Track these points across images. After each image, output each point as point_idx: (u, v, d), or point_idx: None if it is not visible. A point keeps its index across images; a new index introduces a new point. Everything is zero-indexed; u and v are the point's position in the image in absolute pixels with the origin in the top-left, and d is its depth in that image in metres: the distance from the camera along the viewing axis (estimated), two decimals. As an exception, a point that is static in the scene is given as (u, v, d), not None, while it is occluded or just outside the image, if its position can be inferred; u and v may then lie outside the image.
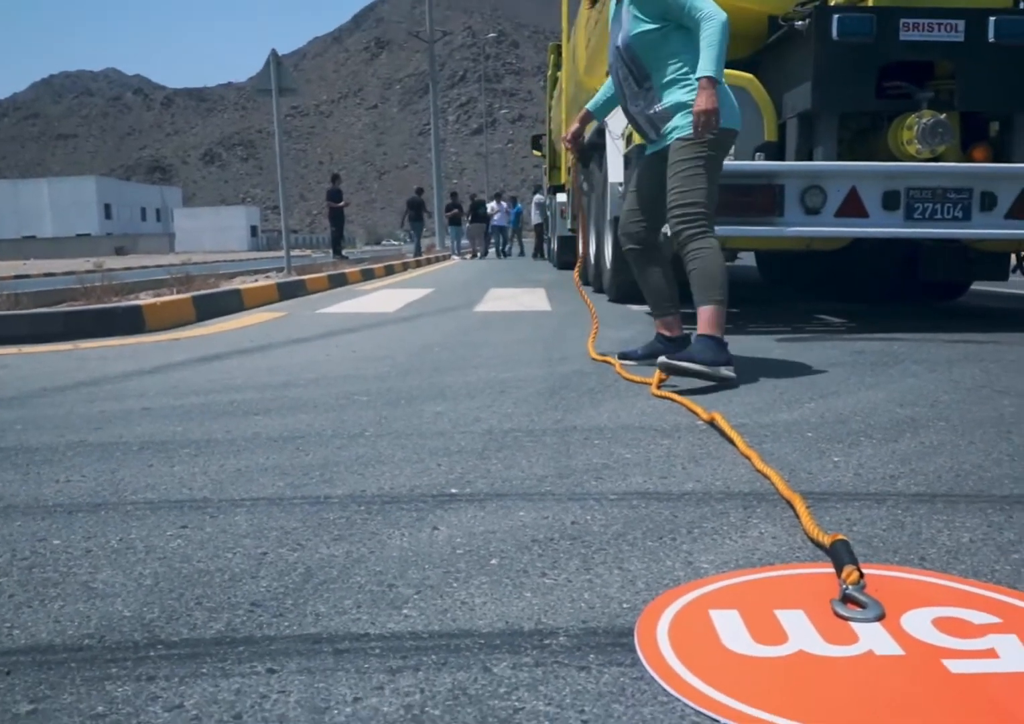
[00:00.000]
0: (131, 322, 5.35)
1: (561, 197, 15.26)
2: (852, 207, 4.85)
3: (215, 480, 2.05)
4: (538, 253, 24.07)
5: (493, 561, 1.50)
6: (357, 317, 6.41)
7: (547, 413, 2.74)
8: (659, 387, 3.12)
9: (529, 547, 1.56)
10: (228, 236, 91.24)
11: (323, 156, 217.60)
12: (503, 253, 26.29)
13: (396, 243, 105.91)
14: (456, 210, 25.73)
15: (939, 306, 6.71)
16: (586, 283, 9.81)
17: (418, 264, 18.69)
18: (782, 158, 5.49)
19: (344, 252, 21.53)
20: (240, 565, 1.51)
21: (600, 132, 7.61)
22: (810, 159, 5.27)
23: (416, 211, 24.37)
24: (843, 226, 4.85)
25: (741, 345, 4.35)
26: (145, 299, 5.77)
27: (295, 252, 60.65)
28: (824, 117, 5.12)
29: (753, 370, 3.55)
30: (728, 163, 4.97)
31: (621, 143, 6.55)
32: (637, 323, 5.65)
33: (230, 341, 4.92)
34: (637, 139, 5.51)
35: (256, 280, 11.97)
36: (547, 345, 4.57)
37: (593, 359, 3.97)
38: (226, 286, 8.00)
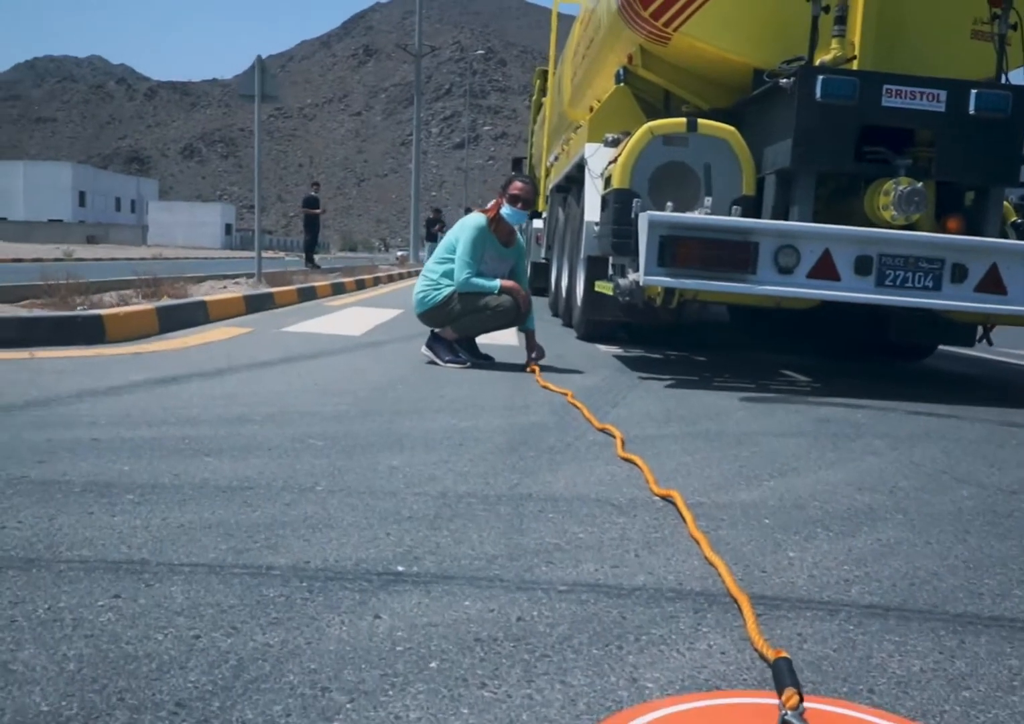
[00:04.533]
0: (91, 332, 5.25)
1: (537, 223, 15.26)
2: (824, 269, 4.87)
3: (156, 538, 1.99)
4: None
5: (433, 664, 1.45)
6: (323, 339, 6.34)
7: (504, 475, 2.70)
8: (623, 447, 3.10)
9: (472, 648, 1.51)
10: (202, 232, 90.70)
11: (303, 159, 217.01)
12: None
13: (367, 254, 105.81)
14: (439, 225, 25.75)
15: (905, 367, 6.76)
16: (555, 315, 9.81)
17: (390, 279, 18.62)
18: (758, 213, 5.52)
19: (317, 260, 21.38)
20: (170, 650, 1.45)
21: (579, 167, 7.62)
22: (786, 217, 5.30)
23: (429, 228, 24.76)
24: (814, 288, 4.87)
25: (705, 402, 4.34)
26: (107, 308, 5.66)
27: (268, 254, 60.33)
28: (802, 176, 5.15)
29: (716, 436, 3.53)
30: (704, 217, 5.00)
31: (600, 183, 6.55)
32: (604, 368, 5.62)
33: (191, 360, 4.84)
34: (617, 182, 5.53)
35: (225, 286, 11.87)
36: (511, 386, 4.53)
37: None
38: (192, 295, 7.89)
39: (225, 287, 11.87)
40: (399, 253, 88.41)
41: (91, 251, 43.29)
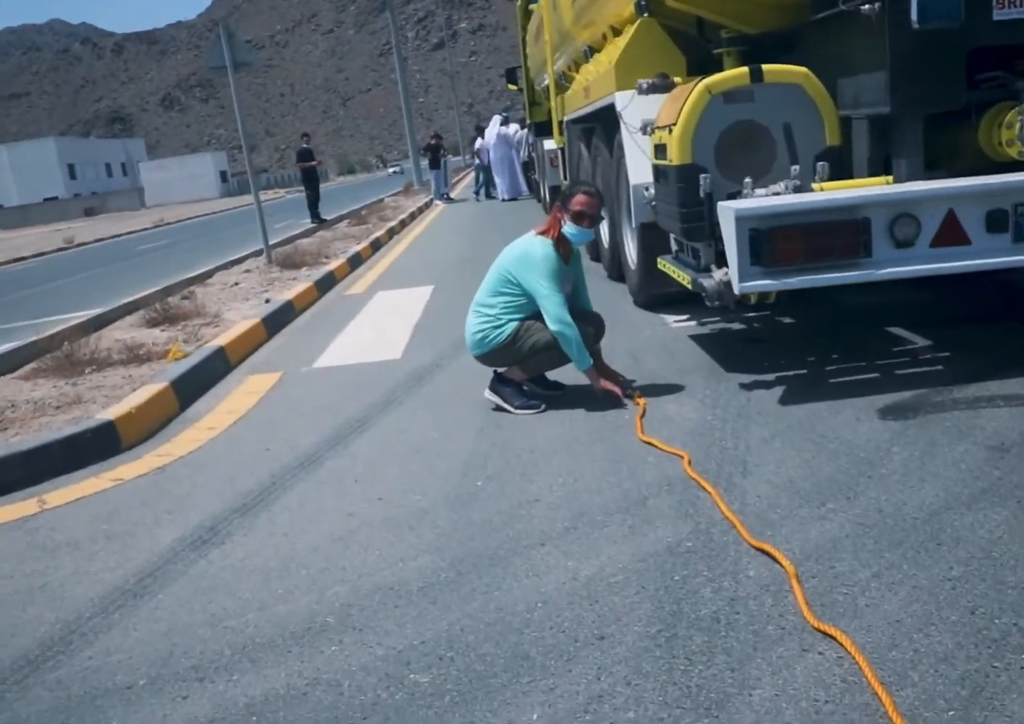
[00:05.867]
0: (105, 443, 4.54)
1: (549, 144, 14.16)
2: (950, 234, 3.98)
3: None
4: (484, 191, 23.45)
5: None
6: (362, 377, 5.57)
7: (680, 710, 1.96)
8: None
9: None
10: (198, 184, 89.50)
11: (283, 88, 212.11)
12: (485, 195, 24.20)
13: (367, 175, 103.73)
14: (442, 150, 24.47)
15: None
16: (594, 259, 8.91)
17: (403, 225, 17.67)
18: (849, 167, 4.61)
19: (321, 214, 20.43)
20: None
21: (608, 112, 6.65)
22: (885, 170, 4.39)
23: (434, 155, 23.67)
24: (941, 260, 3.97)
25: (844, 437, 3.49)
26: (117, 405, 4.91)
27: (268, 195, 59.17)
28: (907, 122, 4.21)
29: (896, 522, 2.74)
30: (801, 198, 4.10)
31: (644, 142, 5.62)
32: (692, 372, 4.78)
33: (222, 475, 4.10)
34: (677, 157, 4.62)
35: (237, 283, 11.08)
36: (611, 450, 3.74)
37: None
38: (207, 339, 7.12)
39: (237, 284, 11.08)
40: (391, 170, 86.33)
41: (92, 228, 42.49)
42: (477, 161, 24.91)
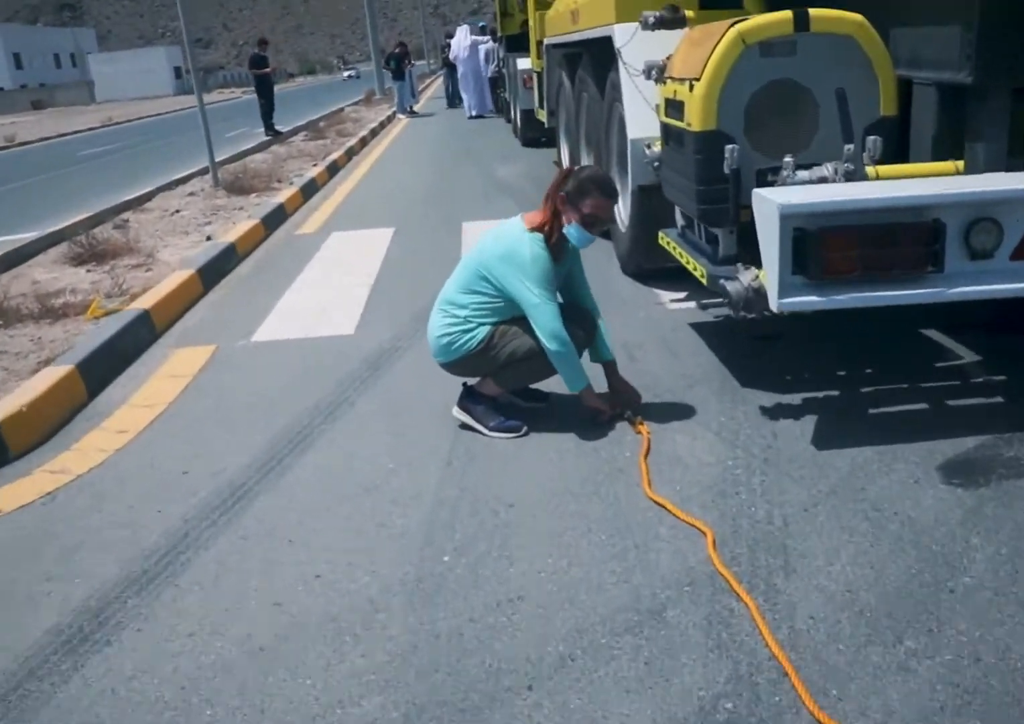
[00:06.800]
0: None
1: (523, 64, 13.07)
2: (1036, 244, 3.20)
3: None
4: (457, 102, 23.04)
5: None
6: (309, 359, 4.73)
7: None
8: None
9: None
10: (151, 80, 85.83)
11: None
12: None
13: (328, 76, 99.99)
14: (407, 59, 22.99)
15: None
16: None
17: (363, 143, 16.50)
18: (905, 145, 3.79)
19: (276, 125, 19.10)
20: None
21: (600, 44, 5.74)
22: (951, 153, 3.57)
23: (398, 64, 22.22)
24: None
25: (908, 513, 2.73)
26: (6, 398, 4.05)
27: (218, 96, 56.63)
28: (992, 95, 3.37)
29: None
30: (863, 195, 3.25)
31: (648, 89, 4.75)
32: (701, 383, 4.00)
33: (124, 521, 3.29)
34: (699, 121, 3.76)
35: (178, 211, 10.07)
36: (610, 512, 2.97)
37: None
38: (133, 293, 6.21)
39: (177, 212, 10.05)
40: (345, 74, 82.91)
41: (37, 125, 40.31)
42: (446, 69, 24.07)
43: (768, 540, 2.73)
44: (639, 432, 3.53)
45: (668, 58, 4.39)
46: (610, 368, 3.79)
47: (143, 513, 3.25)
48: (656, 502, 2.99)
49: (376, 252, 7.23)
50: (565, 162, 8.77)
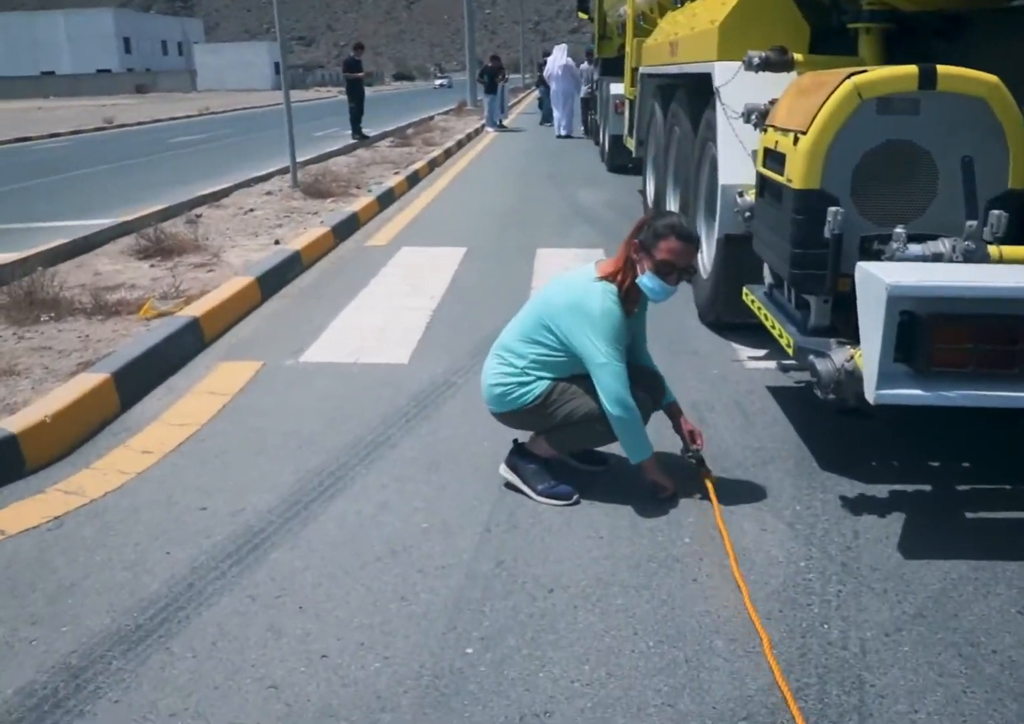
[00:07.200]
0: (6, 461, 3.49)
1: (616, 88, 12.77)
2: None
3: None
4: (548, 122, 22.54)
5: None
6: (350, 389, 4.46)
7: None
8: None
9: None
10: (251, 73, 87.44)
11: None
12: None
13: (424, 83, 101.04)
14: (501, 74, 22.83)
15: None
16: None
17: (447, 154, 16.33)
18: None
19: (364, 129, 19.09)
20: None
21: (699, 81, 5.42)
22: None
23: (491, 78, 22.13)
24: None
25: None
26: (28, 409, 3.83)
27: (312, 94, 57.54)
28: None
29: None
30: (972, 275, 2.88)
31: (746, 132, 4.42)
32: (785, 474, 3.64)
33: (129, 560, 3.04)
34: (800, 179, 3.41)
35: (252, 210, 9.94)
36: (665, 607, 2.64)
37: None
38: (189, 295, 6.03)
39: (252, 211, 9.92)
40: (436, 82, 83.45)
41: (136, 109, 41.18)
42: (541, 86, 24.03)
43: (842, 670, 2.36)
44: (704, 480, 3.23)
45: (771, 103, 4.06)
46: (674, 408, 3.47)
47: (150, 553, 2.98)
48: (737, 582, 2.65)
49: (444, 272, 6.97)
50: (650, 194, 8.42)
